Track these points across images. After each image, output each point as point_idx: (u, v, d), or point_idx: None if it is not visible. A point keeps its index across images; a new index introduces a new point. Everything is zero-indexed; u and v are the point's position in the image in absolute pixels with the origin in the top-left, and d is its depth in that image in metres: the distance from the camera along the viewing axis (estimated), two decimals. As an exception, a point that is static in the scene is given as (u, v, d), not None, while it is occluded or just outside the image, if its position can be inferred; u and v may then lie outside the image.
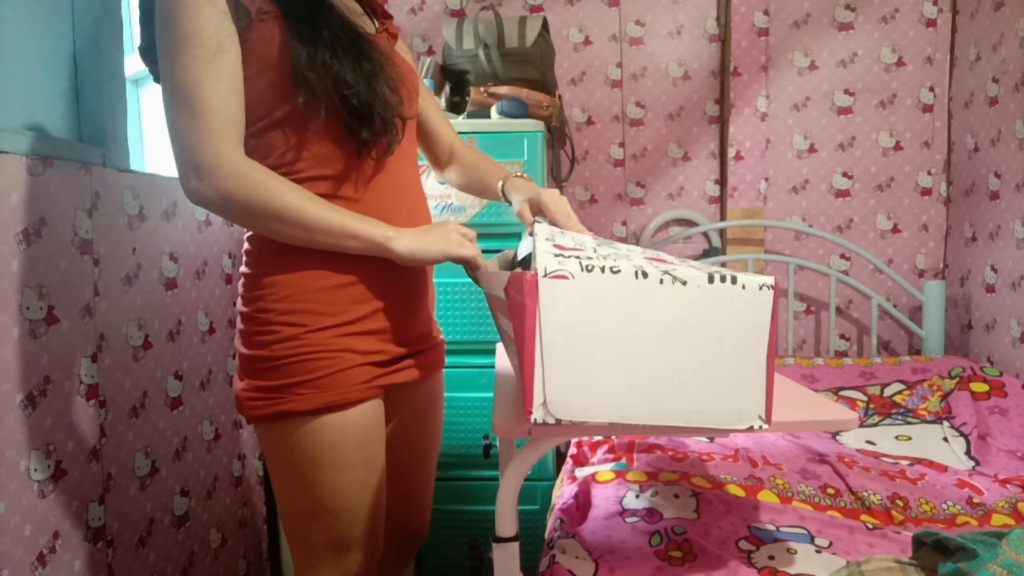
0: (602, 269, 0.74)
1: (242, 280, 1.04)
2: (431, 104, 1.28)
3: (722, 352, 0.75)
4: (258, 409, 0.99)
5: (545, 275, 0.73)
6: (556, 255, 0.75)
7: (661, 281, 0.74)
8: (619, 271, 0.74)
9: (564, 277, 0.73)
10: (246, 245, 1.04)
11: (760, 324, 0.74)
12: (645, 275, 0.74)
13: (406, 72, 1.09)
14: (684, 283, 0.74)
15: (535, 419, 0.76)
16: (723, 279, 0.74)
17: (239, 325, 1.03)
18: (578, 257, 0.75)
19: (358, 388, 1.00)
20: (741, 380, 0.76)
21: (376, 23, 1.13)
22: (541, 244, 0.80)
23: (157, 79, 0.95)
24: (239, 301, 1.04)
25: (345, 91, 0.94)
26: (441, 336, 1.25)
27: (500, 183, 1.20)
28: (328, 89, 0.93)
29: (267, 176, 0.92)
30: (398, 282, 1.05)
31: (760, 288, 0.74)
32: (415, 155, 1.16)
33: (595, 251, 0.83)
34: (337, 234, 0.94)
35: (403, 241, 0.98)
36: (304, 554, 1.06)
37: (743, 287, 0.74)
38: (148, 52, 0.99)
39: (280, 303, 0.98)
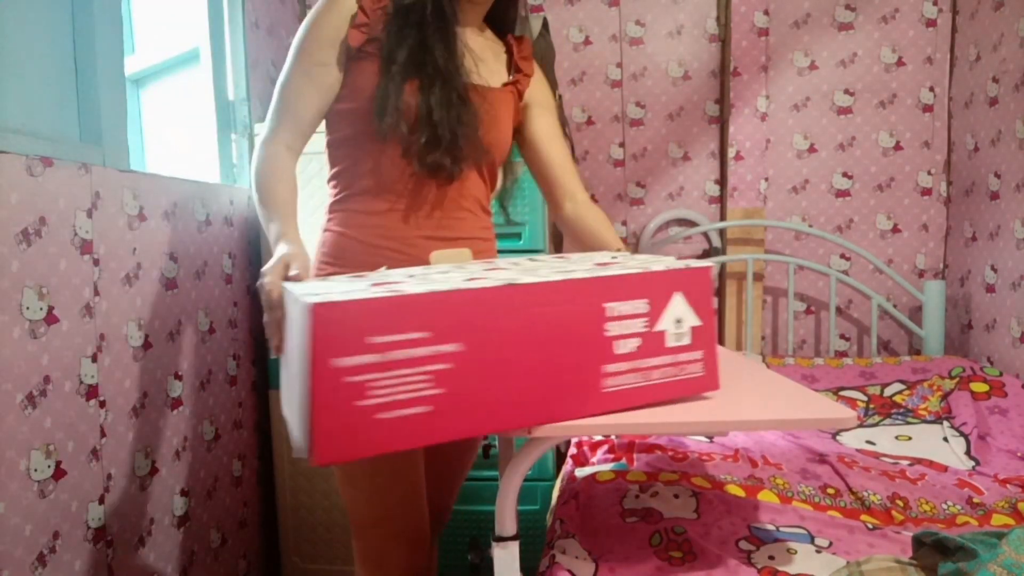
0: (288, 291, 0.78)
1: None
2: (557, 150, 1.28)
3: (300, 377, 0.71)
4: None
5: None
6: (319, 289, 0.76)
7: (296, 299, 0.73)
8: (289, 292, 0.77)
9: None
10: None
11: (306, 345, 0.68)
12: (294, 295, 0.74)
13: (491, 125, 1.16)
14: (297, 303, 0.72)
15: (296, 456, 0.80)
16: (306, 296, 0.68)
17: None
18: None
19: None
20: (301, 411, 0.70)
21: (510, 75, 1.23)
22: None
23: None
24: None
25: (420, 130, 1.08)
26: None
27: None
28: (394, 126, 1.07)
29: (274, 165, 1.08)
30: None
31: (305, 309, 0.67)
32: (484, 192, 1.23)
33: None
34: (261, 216, 1.07)
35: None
36: (355, 530, 1.17)
37: (304, 307, 0.68)
38: None
39: None
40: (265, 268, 0.90)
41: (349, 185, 1.14)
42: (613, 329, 0.81)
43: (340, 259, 1.13)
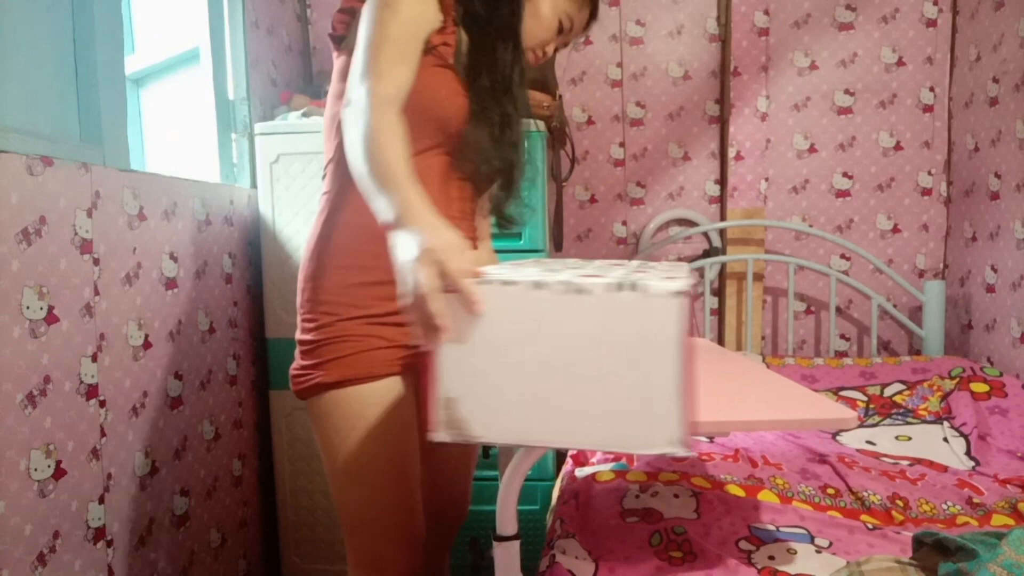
0: (495, 282, 0.71)
1: (300, 275, 1.15)
2: None
3: (629, 368, 0.68)
4: (299, 384, 1.11)
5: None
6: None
7: (560, 292, 0.69)
8: (514, 283, 0.70)
9: (456, 291, 0.72)
10: (306, 244, 1.15)
11: (669, 336, 0.66)
12: (541, 286, 0.69)
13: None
14: (585, 293, 0.68)
15: (434, 437, 0.74)
16: (624, 287, 0.67)
17: (298, 315, 1.15)
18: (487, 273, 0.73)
19: (379, 364, 1.08)
20: (651, 399, 0.68)
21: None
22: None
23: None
24: (298, 293, 1.15)
25: (481, 160, 1.11)
26: None
27: None
28: (452, 136, 1.08)
29: (400, 133, 0.94)
30: None
31: (668, 296, 0.66)
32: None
33: (537, 269, 0.80)
34: (382, 183, 0.89)
35: (407, 243, 0.84)
36: (343, 528, 1.14)
37: (647, 295, 0.66)
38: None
39: (321, 295, 1.10)
40: (443, 251, 0.77)
41: None
42: None
43: (358, 254, 1.08)
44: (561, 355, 0.70)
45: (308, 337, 1.10)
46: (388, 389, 1.09)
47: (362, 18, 1.01)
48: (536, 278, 0.70)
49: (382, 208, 0.87)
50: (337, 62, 1.13)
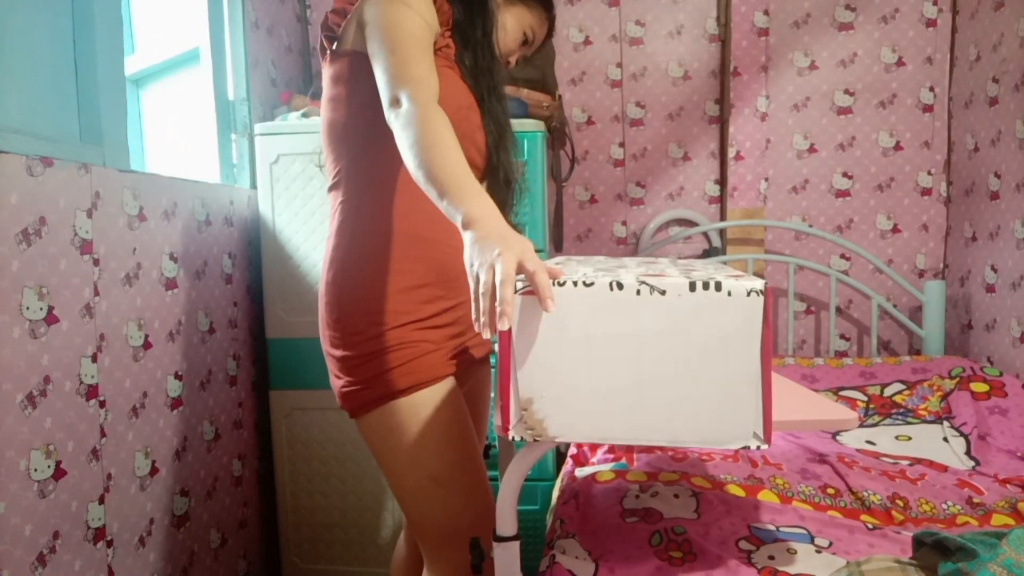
0: (574, 283, 0.71)
1: (325, 288, 1.11)
2: None
3: (710, 365, 0.70)
4: (357, 400, 1.07)
5: (515, 291, 0.72)
6: None
7: (638, 292, 0.69)
8: (592, 283, 0.71)
9: (534, 293, 0.72)
10: (329, 255, 1.11)
11: (750, 333, 0.68)
12: (620, 286, 0.70)
13: None
14: (663, 292, 0.69)
15: (512, 436, 0.75)
16: (706, 286, 0.68)
17: (328, 330, 1.10)
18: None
19: (439, 366, 1.08)
20: (732, 396, 0.70)
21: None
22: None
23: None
24: (324, 308, 1.11)
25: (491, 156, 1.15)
26: None
27: None
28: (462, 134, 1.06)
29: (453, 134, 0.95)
30: (462, 289, 1.09)
31: (748, 294, 0.68)
32: None
33: (591, 268, 0.81)
34: (444, 185, 0.88)
35: (487, 240, 0.80)
36: (431, 543, 1.10)
37: (729, 293, 0.68)
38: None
39: (362, 305, 1.07)
40: (524, 249, 0.76)
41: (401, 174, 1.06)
42: None
43: (398, 259, 1.07)
44: (640, 354, 0.71)
45: (352, 353, 1.06)
46: (450, 389, 1.09)
47: (372, 24, 1.01)
48: (611, 278, 0.71)
49: (452, 210, 0.85)
50: (331, 68, 1.11)
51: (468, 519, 1.08)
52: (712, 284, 0.68)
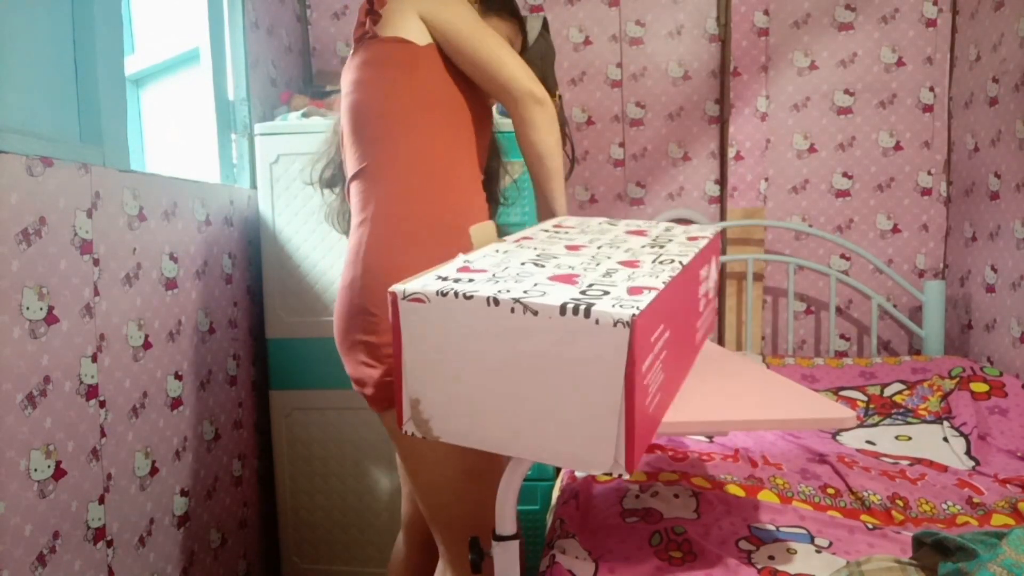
0: (455, 294, 0.71)
1: (362, 272, 1.06)
2: None
3: (574, 390, 0.68)
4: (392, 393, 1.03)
5: (404, 297, 0.73)
6: (442, 276, 0.75)
7: (512, 310, 0.68)
8: (471, 296, 0.71)
9: (420, 300, 0.73)
10: (363, 241, 1.07)
11: (615, 363, 0.65)
12: (497, 303, 0.69)
13: None
14: (535, 313, 0.68)
15: (406, 431, 0.77)
16: (576, 311, 0.66)
17: (359, 317, 1.05)
18: (458, 280, 0.74)
19: None
20: (593, 425, 0.68)
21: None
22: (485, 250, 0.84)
23: None
24: (358, 294, 1.06)
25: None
26: None
27: None
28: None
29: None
30: None
31: (615, 324, 0.64)
32: None
33: (532, 253, 0.85)
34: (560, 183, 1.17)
35: None
36: (455, 538, 1.08)
37: (596, 322, 0.65)
38: None
39: None
40: None
41: (444, 157, 1.11)
42: (701, 290, 0.94)
43: (449, 245, 1.04)
44: (513, 369, 0.71)
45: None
46: None
47: (461, 21, 1.12)
48: (492, 292, 0.71)
49: (554, 197, 1.14)
50: (367, 52, 1.10)
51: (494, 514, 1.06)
52: (582, 310, 0.66)
